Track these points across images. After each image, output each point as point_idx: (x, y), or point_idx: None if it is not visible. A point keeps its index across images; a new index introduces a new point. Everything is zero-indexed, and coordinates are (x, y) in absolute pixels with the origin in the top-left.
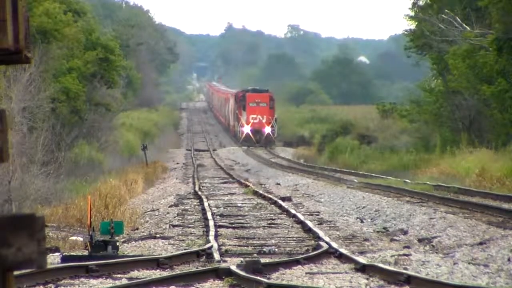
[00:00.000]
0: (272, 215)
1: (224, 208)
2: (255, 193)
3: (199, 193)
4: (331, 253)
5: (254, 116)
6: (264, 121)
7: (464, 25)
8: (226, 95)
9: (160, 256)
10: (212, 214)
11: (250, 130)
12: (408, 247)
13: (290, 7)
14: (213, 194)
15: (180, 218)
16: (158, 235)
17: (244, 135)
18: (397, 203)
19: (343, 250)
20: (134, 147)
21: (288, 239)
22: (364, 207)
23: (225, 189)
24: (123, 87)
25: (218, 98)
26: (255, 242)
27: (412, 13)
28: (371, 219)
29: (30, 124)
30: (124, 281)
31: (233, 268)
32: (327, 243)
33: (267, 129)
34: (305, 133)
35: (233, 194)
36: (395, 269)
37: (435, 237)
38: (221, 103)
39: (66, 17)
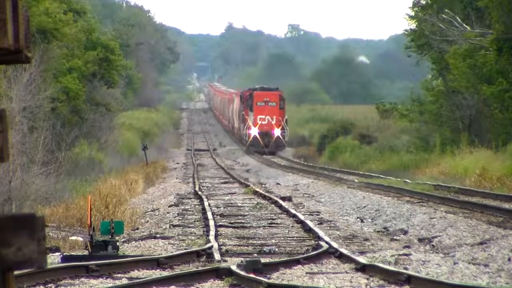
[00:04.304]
0: (273, 215)
1: (224, 208)
2: (255, 193)
3: (199, 193)
4: (331, 253)
5: (263, 117)
6: (273, 122)
7: (464, 25)
8: (229, 95)
9: (160, 256)
10: (212, 214)
11: (258, 133)
12: (408, 246)
13: (290, 7)
14: (213, 193)
15: (180, 218)
16: (158, 235)
17: (251, 138)
18: (397, 203)
19: (343, 250)
20: (134, 147)
21: (288, 239)
22: (364, 207)
23: (225, 188)
24: (123, 87)
25: (221, 99)
26: (255, 242)
27: (412, 13)
28: (372, 219)
29: (30, 124)
30: (124, 281)
31: (233, 268)
32: (327, 243)
33: (277, 132)
34: (305, 133)
35: (233, 194)
36: (395, 269)
37: (435, 237)
38: (224, 104)
39: (66, 17)
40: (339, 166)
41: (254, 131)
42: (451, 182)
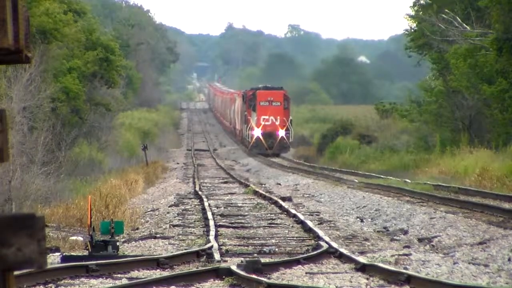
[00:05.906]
0: (273, 215)
1: (224, 208)
2: (256, 193)
3: (199, 192)
4: (331, 253)
5: (266, 117)
6: (277, 123)
7: (464, 25)
8: (231, 95)
9: (160, 256)
10: (212, 214)
11: (261, 134)
12: (408, 246)
13: (290, 7)
14: (213, 194)
15: (181, 218)
16: (158, 235)
17: (254, 139)
18: (397, 203)
19: (343, 250)
20: (134, 147)
21: (288, 239)
22: (364, 206)
23: (226, 189)
24: (123, 87)
25: (222, 99)
26: (255, 242)
27: (412, 12)
28: (371, 218)
29: (30, 124)
30: (124, 281)
31: (234, 268)
32: (327, 243)
33: (281, 133)
34: (305, 133)
35: (233, 194)
36: (395, 269)
37: (435, 237)
38: (225, 104)
39: (66, 17)
40: (339, 166)
41: (257, 132)
42: (451, 182)
